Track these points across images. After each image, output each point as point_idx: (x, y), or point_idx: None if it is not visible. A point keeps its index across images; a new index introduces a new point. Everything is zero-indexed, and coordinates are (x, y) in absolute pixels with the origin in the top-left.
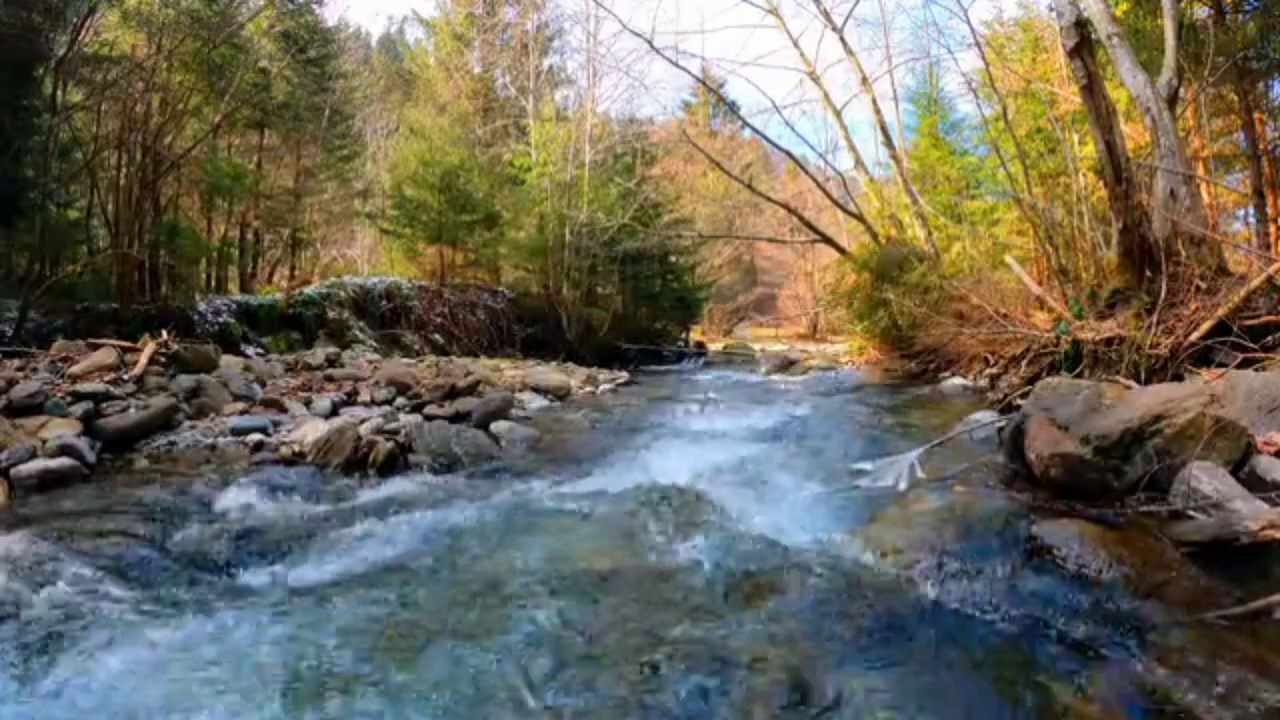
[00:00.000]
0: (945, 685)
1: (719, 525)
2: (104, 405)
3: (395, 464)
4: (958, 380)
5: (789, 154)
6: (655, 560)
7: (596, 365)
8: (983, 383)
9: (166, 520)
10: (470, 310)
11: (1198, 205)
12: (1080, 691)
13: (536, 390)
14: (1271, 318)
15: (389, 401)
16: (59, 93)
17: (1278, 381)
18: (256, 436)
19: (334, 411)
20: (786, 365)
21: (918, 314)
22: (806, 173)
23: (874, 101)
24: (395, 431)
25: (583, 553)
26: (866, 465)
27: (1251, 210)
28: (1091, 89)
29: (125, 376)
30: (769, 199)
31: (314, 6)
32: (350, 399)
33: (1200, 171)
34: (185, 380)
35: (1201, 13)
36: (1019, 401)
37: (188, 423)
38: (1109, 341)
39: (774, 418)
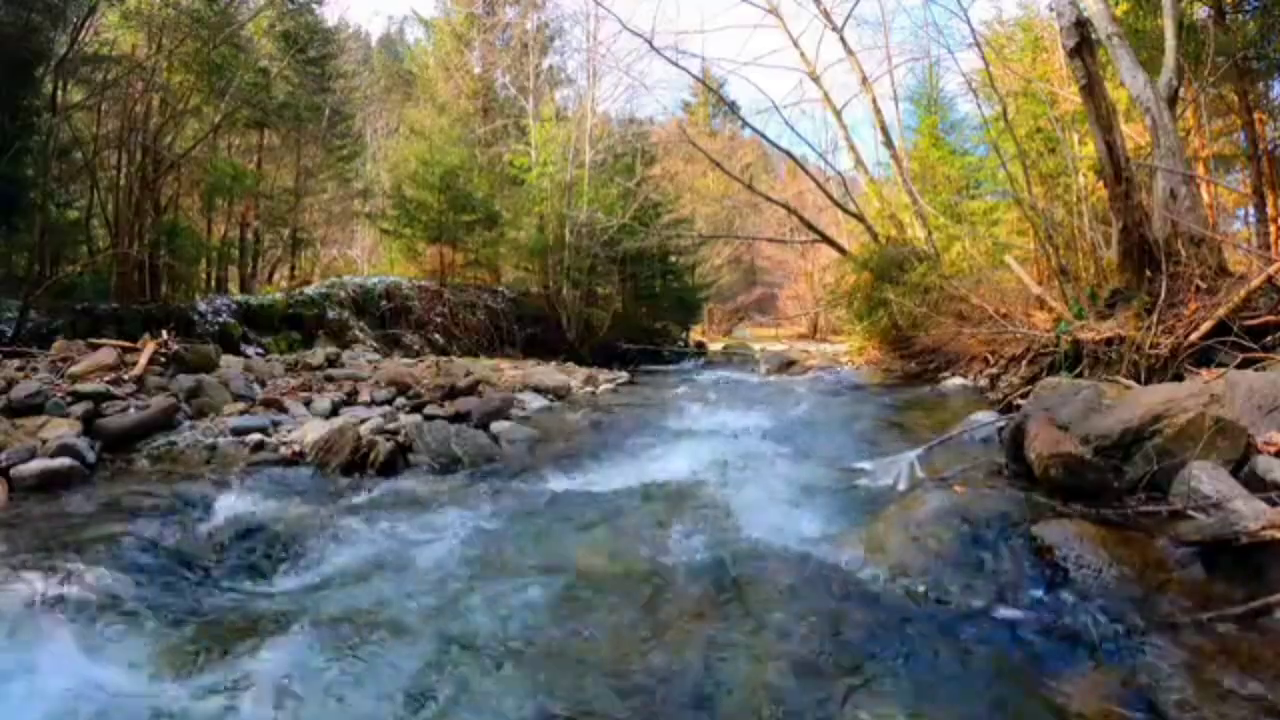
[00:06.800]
0: (945, 685)
1: (718, 526)
2: (104, 405)
3: (395, 464)
4: (958, 380)
5: (789, 154)
6: (654, 561)
7: (596, 365)
8: (983, 383)
9: (166, 520)
10: (470, 310)
11: (1198, 205)
12: (1080, 691)
13: (536, 390)
14: (1271, 318)
15: (389, 401)
16: (59, 93)
17: (1278, 381)
18: (256, 436)
19: (334, 411)
20: (786, 365)
21: (918, 314)
22: (806, 173)
23: (874, 101)
24: (395, 431)
25: (581, 553)
26: (866, 465)
27: (1251, 210)
28: (1091, 89)
29: (125, 376)
30: (769, 199)
31: (314, 6)
32: (350, 399)
33: (1200, 171)
34: (185, 380)
35: (1201, 13)
36: (1019, 401)
37: (188, 423)
38: (1109, 341)
39: (774, 418)
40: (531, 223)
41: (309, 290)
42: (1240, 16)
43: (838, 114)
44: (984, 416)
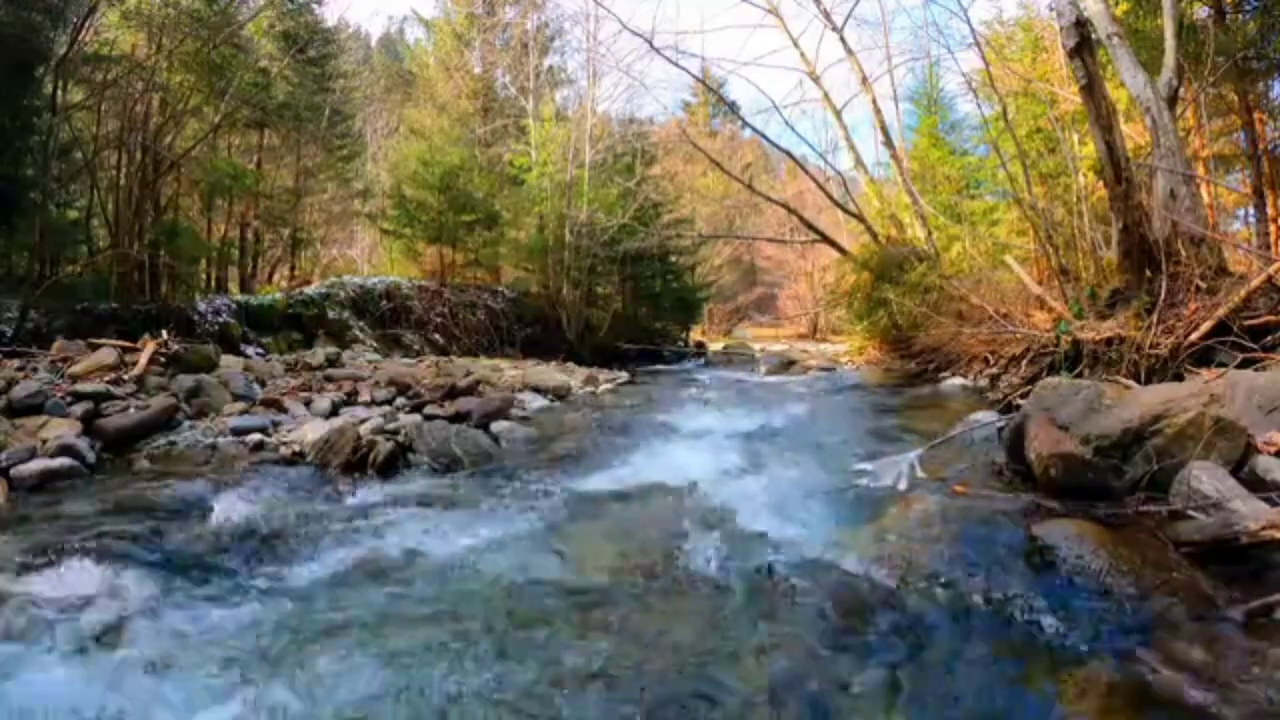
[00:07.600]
0: (945, 685)
1: (718, 526)
2: (104, 405)
3: (395, 464)
4: (958, 380)
5: (789, 154)
6: (654, 562)
7: (596, 365)
8: (983, 383)
9: (166, 520)
10: (470, 310)
11: (1198, 205)
12: (1080, 691)
13: (536, 390)
14: (1271, 318)
15: (389, 401)
16: (59, 93)
17: (1278, 381)
18: (256, 436)
19: (334, 411)
20: (786, 365)
21: (918, 314)
22: (806, 173)
23: (874, 101)
24: (395, 431)
25: (581, 554)
26: (866, 465)
27: (1251, 210)
28: (1091, 89)
29: (125, 376)
30: (769, 199)
31: (314, 6)
32: (350, 399)
33: (1200, 171)
34: (185, 380)
35: (1201, 13)
36: (1019, 401)
37: (188, 423)
38: (1109, 341)
39: (774, 418)
40: (531, 223)
41: (309, 290)
42: (1240, 16)
43: (838, 114)
44: (984, 416)
